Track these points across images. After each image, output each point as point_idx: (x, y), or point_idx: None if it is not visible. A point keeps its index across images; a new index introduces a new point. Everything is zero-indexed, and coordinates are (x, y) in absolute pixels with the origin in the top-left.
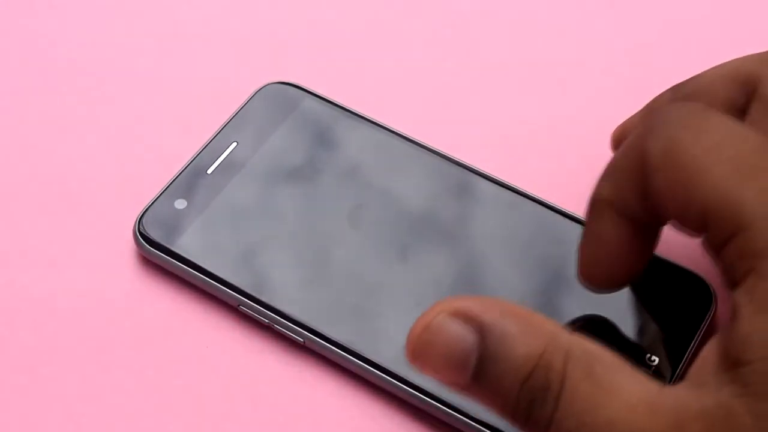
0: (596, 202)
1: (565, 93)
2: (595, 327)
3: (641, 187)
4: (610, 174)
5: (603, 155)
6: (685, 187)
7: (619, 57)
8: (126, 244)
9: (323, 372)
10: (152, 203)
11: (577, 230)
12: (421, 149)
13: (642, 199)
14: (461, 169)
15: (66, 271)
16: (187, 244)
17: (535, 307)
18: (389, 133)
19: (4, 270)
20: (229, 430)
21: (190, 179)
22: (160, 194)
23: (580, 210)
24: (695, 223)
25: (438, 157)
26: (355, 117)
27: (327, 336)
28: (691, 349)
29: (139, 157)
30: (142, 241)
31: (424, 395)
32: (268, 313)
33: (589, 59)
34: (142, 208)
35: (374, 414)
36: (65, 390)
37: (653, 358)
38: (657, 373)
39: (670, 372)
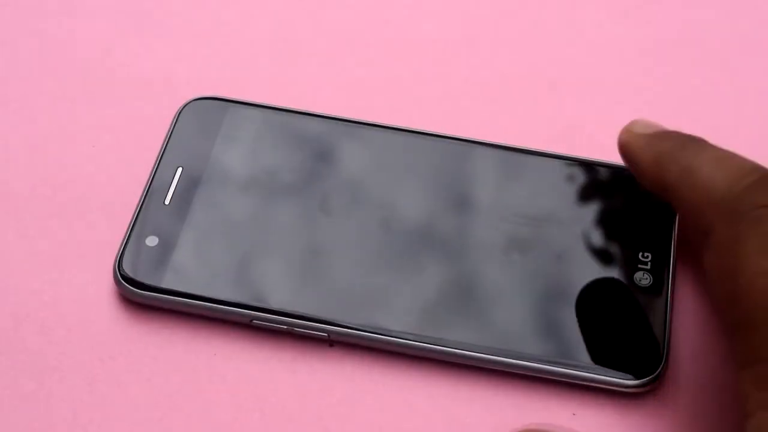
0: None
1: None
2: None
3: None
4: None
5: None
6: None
7: (633, 64)
8: (109, 291)
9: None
10: (123, 247)
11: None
12: (365, 126)
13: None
14: (407, 135)
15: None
16: (175, 278)
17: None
18: (322, 119)
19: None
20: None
21: (151, 214)
22: (128, 237)
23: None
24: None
25: (383, 129)
26: (285, 112)
27: (350, 325)
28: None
29: (93, 193)
30: (128, 285)
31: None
32: (287, 319)
33: (596, 68)
34: (115, 255)
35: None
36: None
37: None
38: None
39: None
